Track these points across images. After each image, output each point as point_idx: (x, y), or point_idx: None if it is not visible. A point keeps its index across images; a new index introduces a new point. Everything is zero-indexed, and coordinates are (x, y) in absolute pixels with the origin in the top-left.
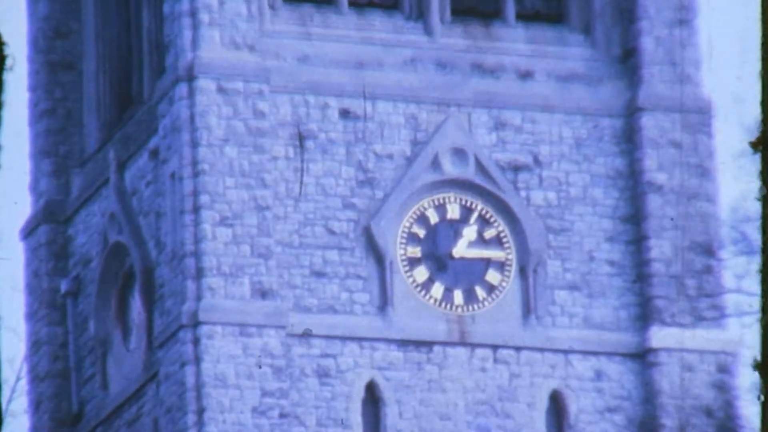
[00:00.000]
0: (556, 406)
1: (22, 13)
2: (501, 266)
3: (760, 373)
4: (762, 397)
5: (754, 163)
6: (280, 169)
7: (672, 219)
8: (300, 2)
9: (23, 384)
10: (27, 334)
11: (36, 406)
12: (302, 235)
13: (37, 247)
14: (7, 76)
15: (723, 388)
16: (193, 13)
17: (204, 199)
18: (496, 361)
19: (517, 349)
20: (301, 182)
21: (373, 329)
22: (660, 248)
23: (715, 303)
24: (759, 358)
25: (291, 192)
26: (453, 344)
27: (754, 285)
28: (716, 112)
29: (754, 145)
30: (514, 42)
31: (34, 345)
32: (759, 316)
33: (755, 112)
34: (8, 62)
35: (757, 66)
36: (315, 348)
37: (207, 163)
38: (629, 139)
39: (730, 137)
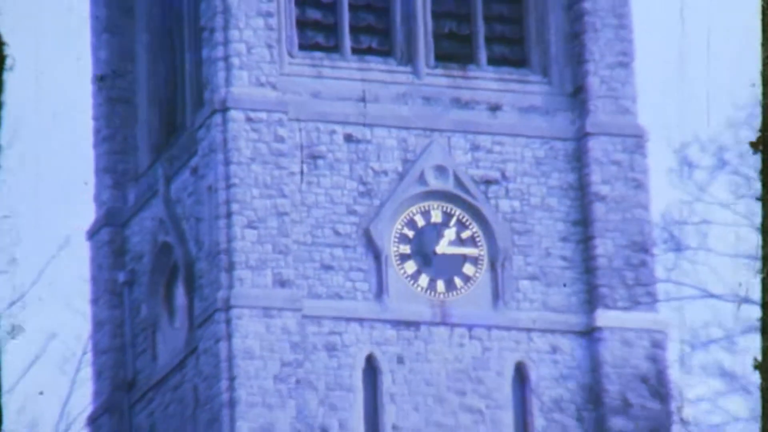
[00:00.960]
0: (520, 374)
1: (87, 57)
2: (475, 261)
3: (760, 373)
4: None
5: (681, 177)
6: (296, 183)
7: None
8: (312, 49)
9: (88, 357)
10: (91, 316)
11: (98, 374)
12: (314, 236)
13: (100, 246)
14: (8, 76)
15: (656, 360)
16: (227, 58)
17: (235, 206)
18: (471, 337)
19: (488, 327)
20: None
21: (371, 312)
22: (604, 246)
23: (649, 291)
24: (759, 358)
25: (305, 200)
26: (436, 324)
27: (681, 276)
28: (649, 136)
29: (754, 145)
30: (485, 81)
31: (97, 325)
32: (760, 316)
33: (681, 135)
34: (8, 62)
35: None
36: (324, 327)
37: (237, 177)
38: (578, 159)
39: (661, 156)
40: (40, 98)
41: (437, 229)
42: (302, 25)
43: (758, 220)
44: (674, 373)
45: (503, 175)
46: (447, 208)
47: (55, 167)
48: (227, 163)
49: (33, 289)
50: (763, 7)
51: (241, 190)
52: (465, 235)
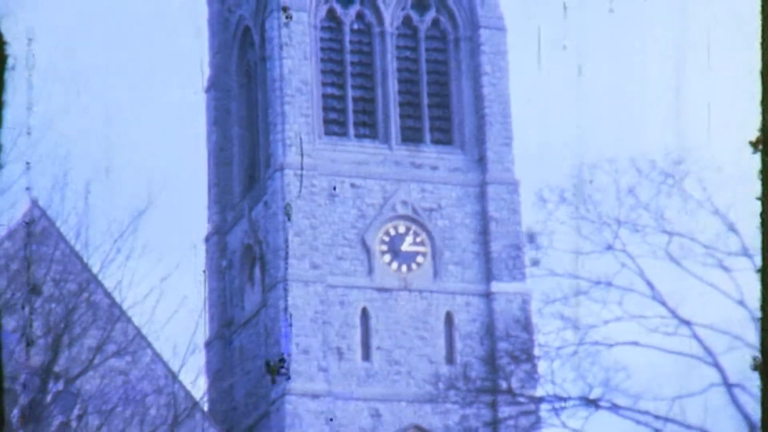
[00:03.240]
0: (449, 318)
1: (203, 141)
2: (424, 255)
3: (760, 373)
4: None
5: (539, 207)
6: (322, 210)
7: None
8: (332, 135)
9: (206, 308)
10: (207, 285)
11: (211, 318)
12: (333, 240)
13: (211, 246)
14: (9, 76)
15: (524, 310)
16: (283, 140)
17: (288, 224)
18: (421, 298)
19: (431, 292)
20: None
21: (365, 283)
22: (496, 246)
23: (521, 271)
24: (759, 358)
25: (327, 219)
26: (401, 290)
27: (541, 261)
28: (520, 184)
29: (754, 145)
30: (429, 152)
31: (211, 291)
32: (760, 316)
33: (538, 184)
34: (9, 62)
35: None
36: (339, 291)
37: (289, 207)
38: (482, 197)
39: (527, 195)
40: (180, 166)
41: (402, 237)
42: (326, 121)
43: (583, 230)
44: (535, 317)
45: (439, 206)
46: (408, 224)
47: (185, 202)
48: (283, 199)
49: (175, 272)
50: (763, 11)
51: (292, 215)
52: (418, 239)
